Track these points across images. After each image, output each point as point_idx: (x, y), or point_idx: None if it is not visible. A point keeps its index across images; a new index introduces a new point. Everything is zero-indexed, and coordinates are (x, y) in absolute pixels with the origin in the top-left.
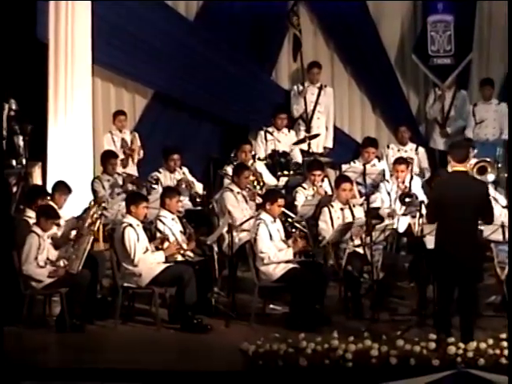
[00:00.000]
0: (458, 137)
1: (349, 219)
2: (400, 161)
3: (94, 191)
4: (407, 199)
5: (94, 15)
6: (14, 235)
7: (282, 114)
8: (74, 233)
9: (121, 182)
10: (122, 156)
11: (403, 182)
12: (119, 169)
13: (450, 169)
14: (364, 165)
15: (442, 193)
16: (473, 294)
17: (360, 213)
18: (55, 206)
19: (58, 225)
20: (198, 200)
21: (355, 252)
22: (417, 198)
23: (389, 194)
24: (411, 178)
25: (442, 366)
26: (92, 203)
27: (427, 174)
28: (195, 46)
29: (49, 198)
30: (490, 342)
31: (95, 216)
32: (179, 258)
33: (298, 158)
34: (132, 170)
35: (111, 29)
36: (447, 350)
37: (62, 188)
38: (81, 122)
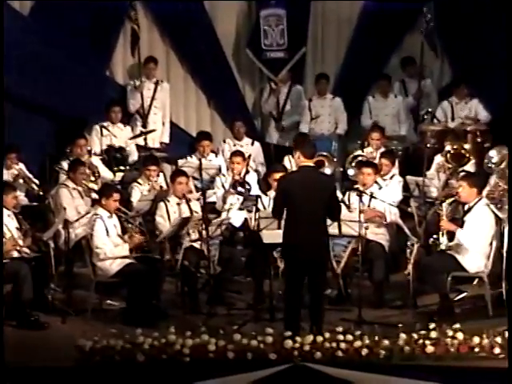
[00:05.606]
0: (293, 131)
1: (186, 214)
2: (236, 153)
3: None
4: (239, 188)
5: None
6: None
7: (116, 107)
8: None
9: None
10: None
11: (239, 174)
12: None
13: (293, 164)
14: (200, 160)
15: (290, 188)
16: (321, 286)
17: (197, 207)
18: None
19: None
20: (38, 194)
21: (192, 247)
22: (250, 189)
23: (224, 186)
24: (247, 171)
25: (279, 360)
26: None
27: (262, 169)
28: (30, 40)
29: None
30: (327, 335)
31: None
32: (15, 254)
33: (133, 153)
34: None
35: None
36: (284, 343)
37: None
38: None
